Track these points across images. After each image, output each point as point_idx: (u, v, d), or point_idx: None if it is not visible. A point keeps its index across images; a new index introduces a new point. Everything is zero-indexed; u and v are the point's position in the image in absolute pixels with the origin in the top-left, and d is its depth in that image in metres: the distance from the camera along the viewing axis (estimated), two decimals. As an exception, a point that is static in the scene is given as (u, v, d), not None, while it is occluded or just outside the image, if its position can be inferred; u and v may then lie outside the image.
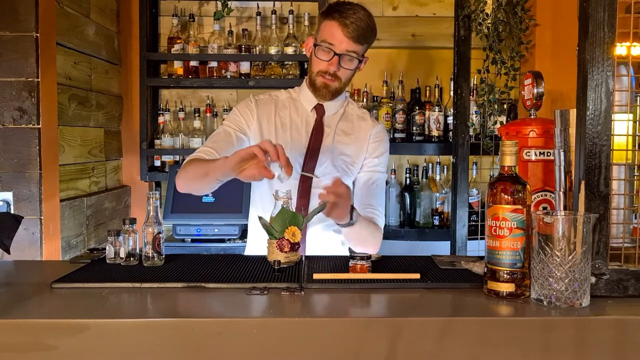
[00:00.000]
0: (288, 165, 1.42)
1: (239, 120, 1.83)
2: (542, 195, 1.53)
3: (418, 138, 3.22)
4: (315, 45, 1.77)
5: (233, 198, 2.84)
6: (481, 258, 1.37)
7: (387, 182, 3.30)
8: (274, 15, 3.25)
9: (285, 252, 1.39)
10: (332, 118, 1.85)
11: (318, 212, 1.51)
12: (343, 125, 1.85)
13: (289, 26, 3.25)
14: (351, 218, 1.62)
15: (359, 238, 1.73)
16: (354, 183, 1.87)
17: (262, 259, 1.48)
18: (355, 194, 1.84)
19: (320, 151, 1.79)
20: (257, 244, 1.82)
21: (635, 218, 1.37)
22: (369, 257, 1.34)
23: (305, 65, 3.26)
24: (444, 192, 3.23)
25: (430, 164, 3.30)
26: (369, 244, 1.74)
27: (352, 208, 1.63)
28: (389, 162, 3.33)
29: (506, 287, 1.16)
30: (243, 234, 2.90)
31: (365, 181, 1.84)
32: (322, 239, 1.80)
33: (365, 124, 1.87)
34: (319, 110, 1.83)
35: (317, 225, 1.78)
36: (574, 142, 1.19)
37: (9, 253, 1.34)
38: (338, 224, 1.66)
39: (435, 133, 3.21)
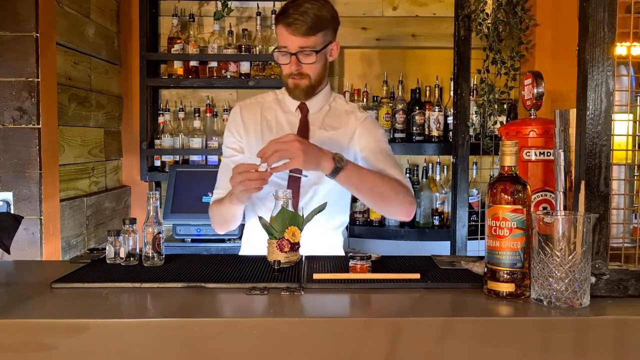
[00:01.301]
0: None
1: (232, 143, 1.85)
2: (542, 195, 1.53)
3: (418, 138, 3.22)
4: (275, 52, 1.77)
5: (233, 198, 2.84)
6: (481, 258, 1.37)
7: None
8: (274, 15, 3.25)
9: (285, 252, 1.39)
10: (318, 115, 1.84)
11: (318, 212, 1.51)
12: (330, 121, 1.84)
13: (289, 26, 3.25)
14: (336, 166, 1.56)
15: (368, 191, 1.64)
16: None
17: (262, 259, 1.48)
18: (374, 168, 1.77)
19: None
20: (252, 243, 1.83)
21: (635, 218, 1.37)
22: (369, 257, 1.34)
23: (305, 65, 3.26)
24: (444, 192, 3.23)
25: (430, 164, 3.30)
26: (389, 197, 1.67)
27: (335, 156, 1.58)
28: (389, 162, 3.35)
29: (506, 287, 1.16)
30: (242, 234, 2.90)
31: (368, 155, 1.78)
32: (319, 238, 1.78)
33: (353, 116, 1.84)
34: (303, 108, 1.82)
35: (314, 225, 1.77)
36: (574, 142, 1.19)
37: (9, 253, 1.34)
38: (329, 177, 1.59)
39: (435, 133, 3.21)
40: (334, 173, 1.56)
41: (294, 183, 1.76)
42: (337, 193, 1.79)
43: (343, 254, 1.88)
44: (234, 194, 1.61)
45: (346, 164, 1.58)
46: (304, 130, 1.80)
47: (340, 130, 1.82)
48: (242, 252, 1.90)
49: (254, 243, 1.81)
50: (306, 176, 1.73)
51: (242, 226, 1.94)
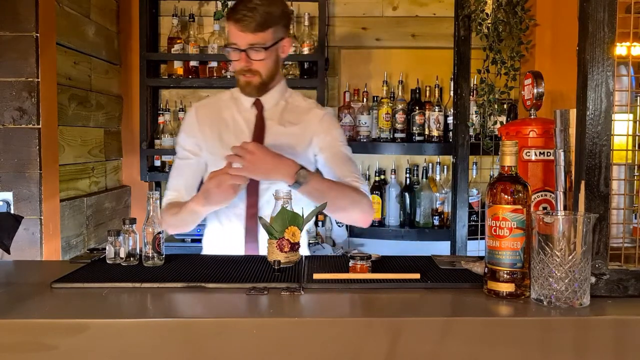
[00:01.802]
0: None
1: (188, 144, 1.84)
2: (542, 195, 1.53)
3: (418, 138, 3.22)
4: (225, 50, 1.77)
5: (233, 198, 2.84)
6: (481, 258, 1.37)
7: (386, 182, 3.31)
8: (274, 15, 3.24)
9: (285, 252, 1.39)
10: (274, 110, 1.83)
11: (318, 212, 1.51)
12: (288, 116, 1.83)
13: (289, 26, 3.25)
14: (297, 181, 1.59)
15: (330, 204, 1.59)
16: (320, 169, 1.84)
17: (262, 259, 1.48)
18: (331, 172, 1.80)
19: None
20: (214, 244, 1.85)
21: (635, 218, 1.38)
22: (369, 257, 1.34)
23: (305, 66, 3.26)
24: (444, 192, 3.23)
25: (430, 164, 3.30)
26: (348, 210, 1.71)
27: (301, 168, 1.60)
28: (389, 162, 3.36)
29: (506, 287, 1.16)
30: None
31: (327, 157, 1.80)
32: None
33: (312, 112, 1.85)
34: (258, 106, 1.82)
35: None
36: (574, 142, 1.19)
37: (9, 253, 1.34)
38: (290, 187, 1.59)
39: (435, 133, 3.21)
40: (295, 186, 1.60)
41: (252, 180, 1.73)
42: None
43: (308, 253, 1.88)
44: (210, 198, 1.62)
45: (308, 181, 1.60)
46: (259, 126, 1.80)
47: (300, 126, 1.82)
48: (204, 253, 1.90)
49: (216, 243, 1.83)
50: None
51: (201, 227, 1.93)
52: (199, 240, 2.95)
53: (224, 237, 1.82)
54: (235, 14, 1.69)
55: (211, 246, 1.87)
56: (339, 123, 1.92)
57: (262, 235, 1.75)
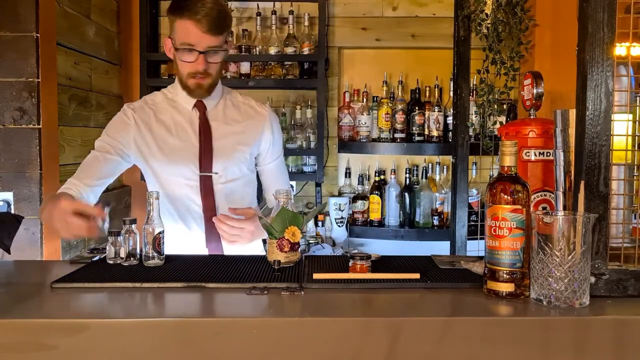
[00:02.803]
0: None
1: (112, 142, 1.76)
2: (541, 195, 1.53)
3: (418, 138, 3.22)
4: (176, 49, 1.69)
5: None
6: (481, 258, 1.37)
7: (386, 182, 3.31)
8: (274, 16, 3.25)
9: (285, 252, 1.39)
10: (216, 110, 1.81)
11: (319, 212, 1.51)
12: (231, 114, 1.83)
13: (289, 26, 3.25)
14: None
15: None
16: (259, 173, 1.92)
17: (262, 259, 1.48)
18: (267, 182, 1.92)
19: (213, 147, 1.77)
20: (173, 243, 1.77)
21: (635, 218, 1.38)
22: (368, 257, 1.34)
23: (305, 66, 3.26)
24: (443, 192, 3.23)
25: (430, 164, 3.30)
26: None
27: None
28: (389, 163, 3.36)
29: (506, 287, 1.16)
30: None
31: (273, 169, 1.91)
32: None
33: (256, 111, 1.86)
34: (200, 107, 1.78)
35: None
36: (574, 142, 1.19)
37: (9, 253, 1.35)
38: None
39: (435, 133, 3.22)
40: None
41: (206, 183, 1.75)
42: (250, 186, 1.88)
43: (264, 253, 1.88)
44: (55, 228, 1.44)
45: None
46: (205, 128, 1.78)
47: (245, 124, 1.83)
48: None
49: (178, 245, 1.76)
50: (216, 173, 1.76)
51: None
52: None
53: (185, 238, 1.80)
54: (195, 13, 1.61)
55: (173, 249, 1.78)
56: (279, 125, 1.94)
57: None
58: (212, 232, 1.75)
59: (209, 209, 1.76)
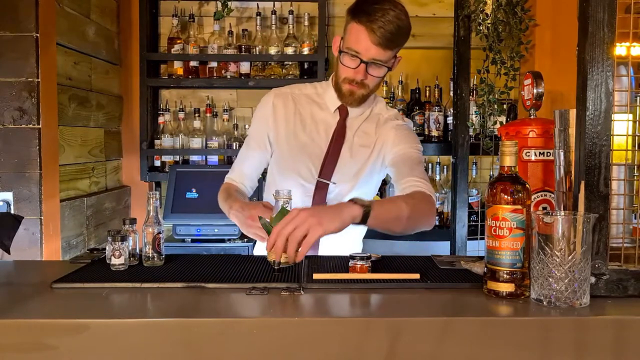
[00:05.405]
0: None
1: (259, 133, 1.77)
2: (542, 195, 1.53)
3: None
4: (340, 51, 1.63)
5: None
6: (481, 258, 1.37)
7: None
8: (274, 16, 3.25)
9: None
10: (356, 120, 1.74)
11: None
12: (366, 127, 1.74)
13: (289, 26, 3.25)
14: (363, 220, 1.40)
15: (396, 221, 1.50)
16: (389, 172, 1.76)
17: (262, 259, 1.48)
18: (393, 177, 1.70)
19: (340, 156, 1.69)
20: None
21: (635, 218, 1.38)
22: (369, 257, 1.34)
23: (305, 66, 3.26)
24: (443, 192, 3.23)
25: (430, 164, 3.30)
26: (415, 224, 1.56)
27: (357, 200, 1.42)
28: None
29: (506, 287, 1.16)
30: (243, 234, 2.91)
31: (397, 161, 1.68)
32: (337, 239, 1.58)
33: (390, 124, 1.74)
34: (342, 112, 1.72)
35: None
36: (574, 142, 1.19)
37: (9, 253, 1.34)
38: (357, 224, 1.43)
39: (435, 133, 3.22)
40: (364, 218, 1.40)
41: (321, 190, 1.67)
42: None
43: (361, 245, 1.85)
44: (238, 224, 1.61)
45: (372, 204, 1.42)
46: (339, 134, 1.70)
47: (374, 139, 1.73)
48: (256, 252, 1.88)
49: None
50: (334, 183, 1.67)
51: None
52: (199, 241, 2.98)
53: None
54: (372, 22, 1.54)
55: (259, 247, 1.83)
56: (412, 132, 1.79)
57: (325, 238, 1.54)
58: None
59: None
